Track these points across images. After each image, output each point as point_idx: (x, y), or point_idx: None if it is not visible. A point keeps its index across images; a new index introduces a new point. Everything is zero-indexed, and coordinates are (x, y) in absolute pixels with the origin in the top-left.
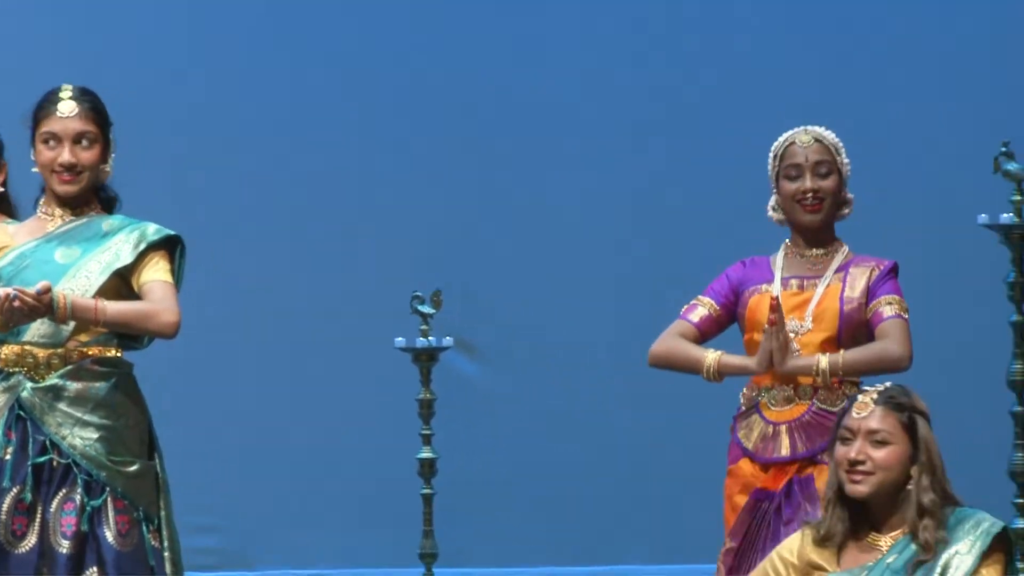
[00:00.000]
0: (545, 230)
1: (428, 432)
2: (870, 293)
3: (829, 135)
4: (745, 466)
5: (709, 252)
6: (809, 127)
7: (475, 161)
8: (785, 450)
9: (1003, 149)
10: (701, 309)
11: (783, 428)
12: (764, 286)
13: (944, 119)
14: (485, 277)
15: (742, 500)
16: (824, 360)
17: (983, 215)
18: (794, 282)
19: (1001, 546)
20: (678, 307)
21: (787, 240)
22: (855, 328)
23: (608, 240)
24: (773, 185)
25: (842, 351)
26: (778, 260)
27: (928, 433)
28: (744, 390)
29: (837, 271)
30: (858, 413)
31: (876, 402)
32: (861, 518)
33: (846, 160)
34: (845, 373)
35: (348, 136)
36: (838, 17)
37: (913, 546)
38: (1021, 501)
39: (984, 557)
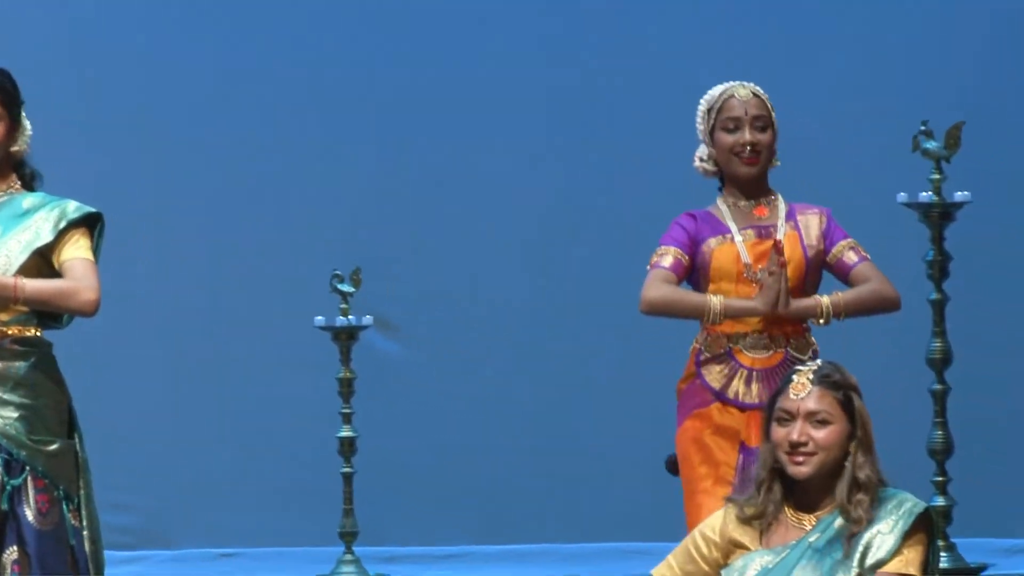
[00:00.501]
0: (465, 209)
1: (348, 411)
2: (826, 239)
3: (762, 91)
4: (716, 410)
5: (627, 229)
6: (744, 82)
7: (394, 140)
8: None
9: (922, 128)
10: (670, 257)
11: (759, 374)
12: (724, 236)
13: (864, 98)
14: (405, 256)
15: (714, 442)
16: (826, 300)
17: (902, 194)
18: (751, 231)
19: (923, 527)
20: (597, 287)
21: (721, 194)
22: (815, 273)
23: (528, 219)
24: (706, 138)
25: (838, 292)
26: (724, 212)
27: (863, 409)
28: (704, 338)
29: (787, 219)
30: (796, 394)
31: (813, 382)
32: (788, 495)
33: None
34: (845, 314)
35: (265, 115)
36: None
37: (836, 525)
38: (940, 479)
39: (906, 537)
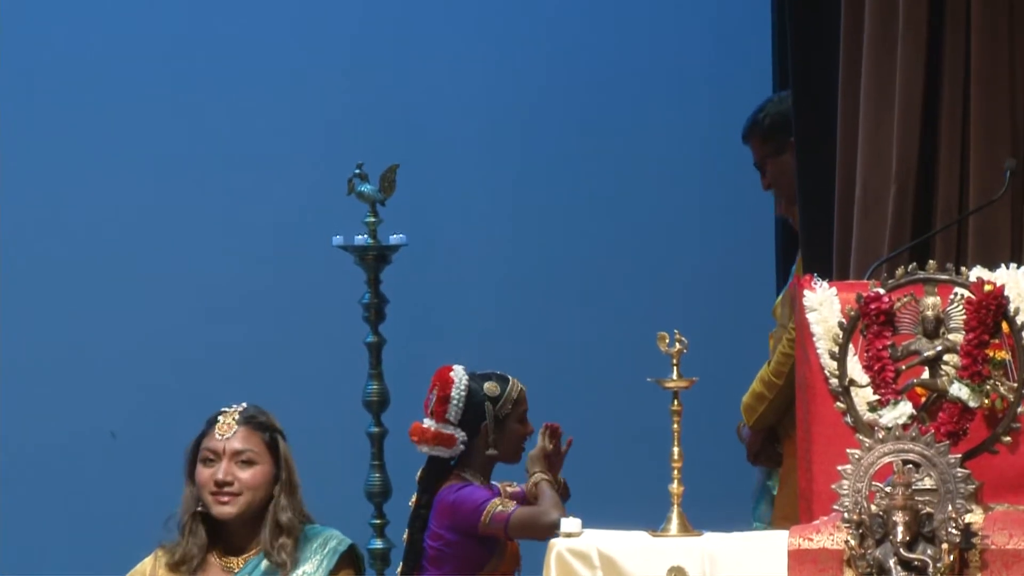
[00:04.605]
0: None
1: None
2: None
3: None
4: None
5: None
6: None
7: None
8: None
9: (357, 171)
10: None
11: None
12: None
13: (298, 140)
14: None
15: None
16: None
17: (338, 236)
18: None
19: (349, 563)
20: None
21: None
22: None
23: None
24: (489, 427)
25: None
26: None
27: (287, 452)
28: None
29: None
30: (221, 434)
31: (239, 422)
32: (215, 539)
33: None
34: None
35: None
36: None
37: (263, 566)
38: (378, 522)
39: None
